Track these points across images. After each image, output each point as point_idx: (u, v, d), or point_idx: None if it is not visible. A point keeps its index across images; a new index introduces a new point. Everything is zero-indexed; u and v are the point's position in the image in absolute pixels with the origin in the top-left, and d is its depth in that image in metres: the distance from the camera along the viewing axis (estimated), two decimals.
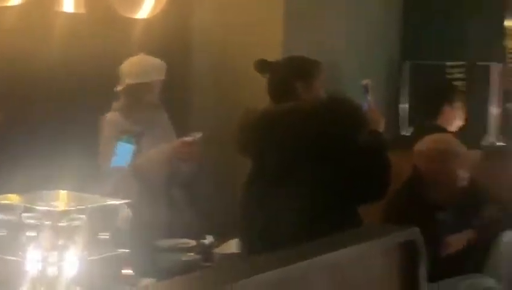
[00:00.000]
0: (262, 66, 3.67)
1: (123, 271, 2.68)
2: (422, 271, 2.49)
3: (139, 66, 4.11)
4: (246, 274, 1.87)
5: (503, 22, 4.96)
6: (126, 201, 2.65)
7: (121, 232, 2.62)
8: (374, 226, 3.35)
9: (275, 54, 4.16)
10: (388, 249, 2.44)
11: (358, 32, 4.98)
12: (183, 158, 3.97)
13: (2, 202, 2.56)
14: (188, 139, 3.94)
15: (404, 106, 5.25)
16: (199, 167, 4.09)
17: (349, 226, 3.21)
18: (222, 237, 3.85)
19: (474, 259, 4.11)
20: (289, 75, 3.55)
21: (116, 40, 4.45)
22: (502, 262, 4.16)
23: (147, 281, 3.02)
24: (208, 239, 3.84)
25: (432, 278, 3.83)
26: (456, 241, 4.05)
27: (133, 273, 2.85)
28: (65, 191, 2.60)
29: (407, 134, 5.03)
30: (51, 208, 2.46)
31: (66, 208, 2.49)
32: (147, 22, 4.59)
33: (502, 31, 4.95)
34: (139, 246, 2.93)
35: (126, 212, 2.63)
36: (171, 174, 4.05)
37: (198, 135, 3.92)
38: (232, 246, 3.72)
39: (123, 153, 3.77)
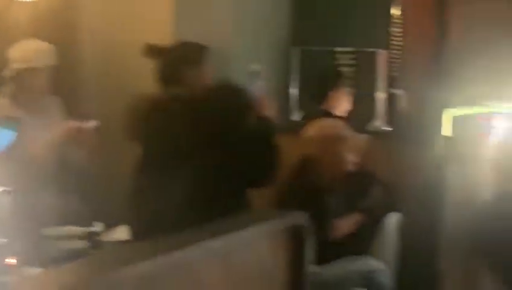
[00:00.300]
0: (151, 51, 3.63)
1: (6, 260, 2.61)
2: (309, 255, 2.52)
3: (28, 51, 4.02)
4: (128, 262, 1.85)
5: (389, 9, 5.07)
6: (6, 189, 2.58)
7: (2, 220, 2.55)
8: (262, 211, 3.38)
9: (164, 39, 4.12)
10: (275, 234, 2.46)
11: (247, 18, 4.99)
12: (71, 143, 3.90)
13: None
14: (77, 124, 3.88)
15: (294, 91, 5.30)
16: (89, 153, 4.03)
17: (239, 211, 3.22)
18: (111, 224, 3.80)
19: (361, 242, 4.21)
20: (177, 60, 3.53)
21: (3, 23, 4.32)
22: (387, 244, 4.28)
23: (31, 270, 2.95)
24: (96, 226, 3.79)
25: (320, 261, 3.91)
26: (344, 224, 4.14)
27: (17, 263, 2.77)
28: None
29: (297, 119, 5.09)
30: None
31: None
32: (33, 5, 4.48)
33: (387, 18, 5.06)
34: (24, 235, 2.85)
35: (7, 200, 2.55)
36: (59, 160, 3.97)
37: (92, 122, 3.87)
38: (121, 233, 3.68)
39: (2, 139, 3.67)
